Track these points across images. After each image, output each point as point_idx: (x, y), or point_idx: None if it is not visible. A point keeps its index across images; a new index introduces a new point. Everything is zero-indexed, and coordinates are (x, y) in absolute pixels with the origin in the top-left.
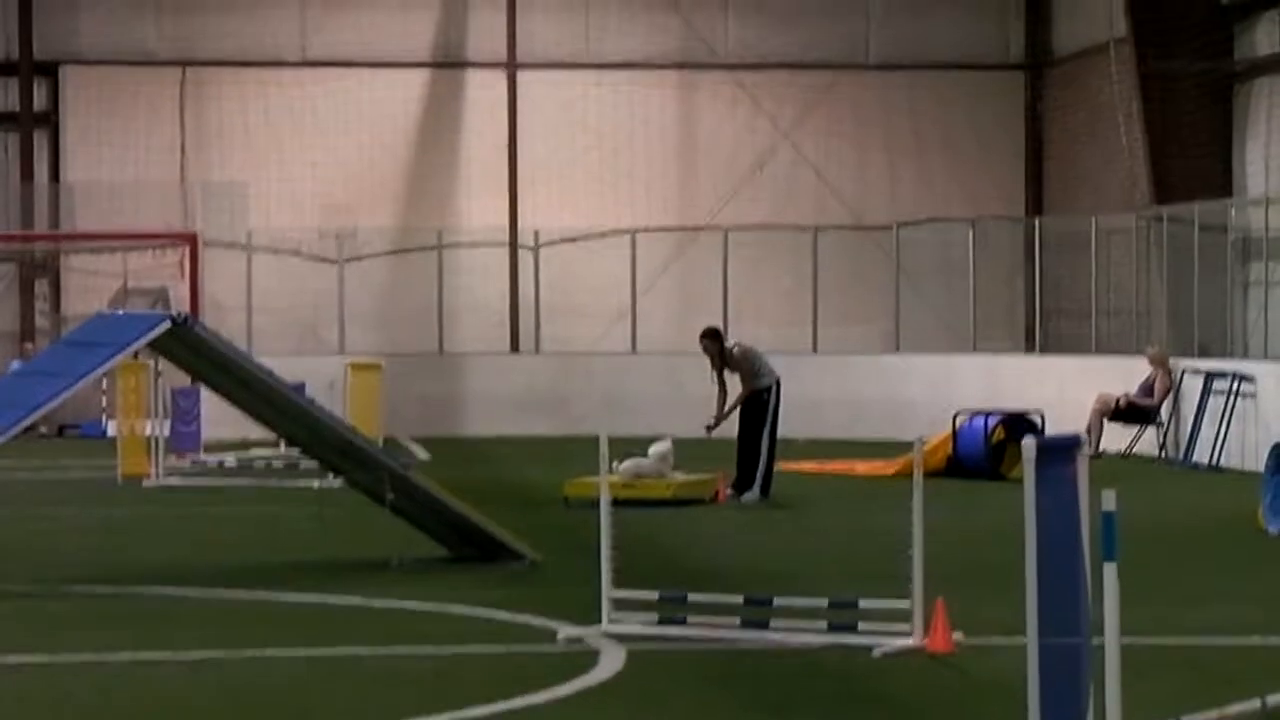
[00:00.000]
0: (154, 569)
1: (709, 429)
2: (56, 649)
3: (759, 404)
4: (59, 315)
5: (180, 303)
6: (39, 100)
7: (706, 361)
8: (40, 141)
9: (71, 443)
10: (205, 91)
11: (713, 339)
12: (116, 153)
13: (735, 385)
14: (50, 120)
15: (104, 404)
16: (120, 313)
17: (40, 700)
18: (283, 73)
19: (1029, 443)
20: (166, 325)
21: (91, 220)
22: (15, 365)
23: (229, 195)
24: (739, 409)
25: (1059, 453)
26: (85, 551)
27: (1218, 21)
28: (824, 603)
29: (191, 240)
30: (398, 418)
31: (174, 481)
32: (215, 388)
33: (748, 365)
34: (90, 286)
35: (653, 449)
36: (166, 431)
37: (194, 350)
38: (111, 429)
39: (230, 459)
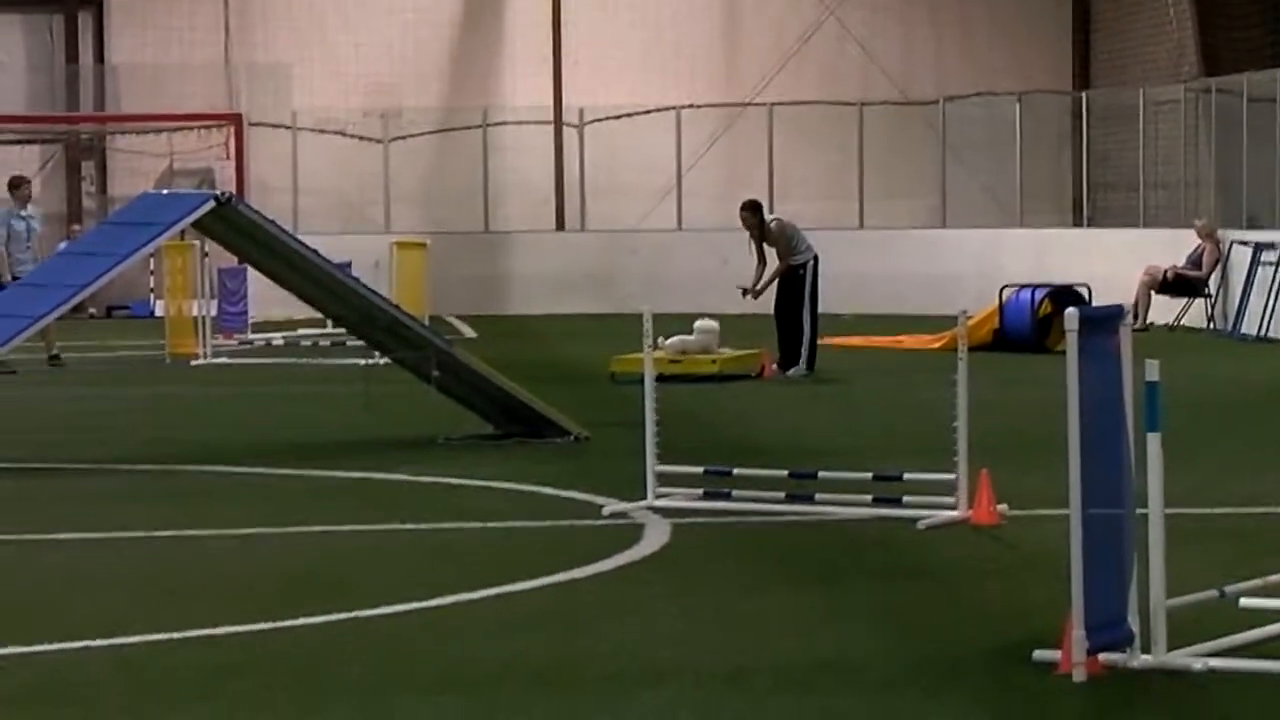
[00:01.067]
0: (202, 447)
1: (745, 292)
2: (107, 526)
3: (796, 280)
4: (105, 196)
5: (226, 183)
6: None
7: (749, 236)
8: (85, 23)
9: (120, 323)
10: None
11: (753, 211)
12: (161, 34)
13: (773, 259)
14: (95, 2)
15: (151, 284)
16: (165, 193)
17: (91, 575)
18: None
19: (1071, 313)
20: (211, 205)
21: (136, 102)
22: (63, 246)
23: (273, 76)
24: (777, 285)
25: (1102, 323)
26: (134, 430)
27: None
28: (868, 476)
29: (236, 121)
30: (444, 296)
31: (222, 361)
32: (261, 267)
33: (784, 241)
34: (136, 168)
35: (698, 325)
36: (214, 311)
37: (239, 230)
38: (159, 309)
39: (277, 338)
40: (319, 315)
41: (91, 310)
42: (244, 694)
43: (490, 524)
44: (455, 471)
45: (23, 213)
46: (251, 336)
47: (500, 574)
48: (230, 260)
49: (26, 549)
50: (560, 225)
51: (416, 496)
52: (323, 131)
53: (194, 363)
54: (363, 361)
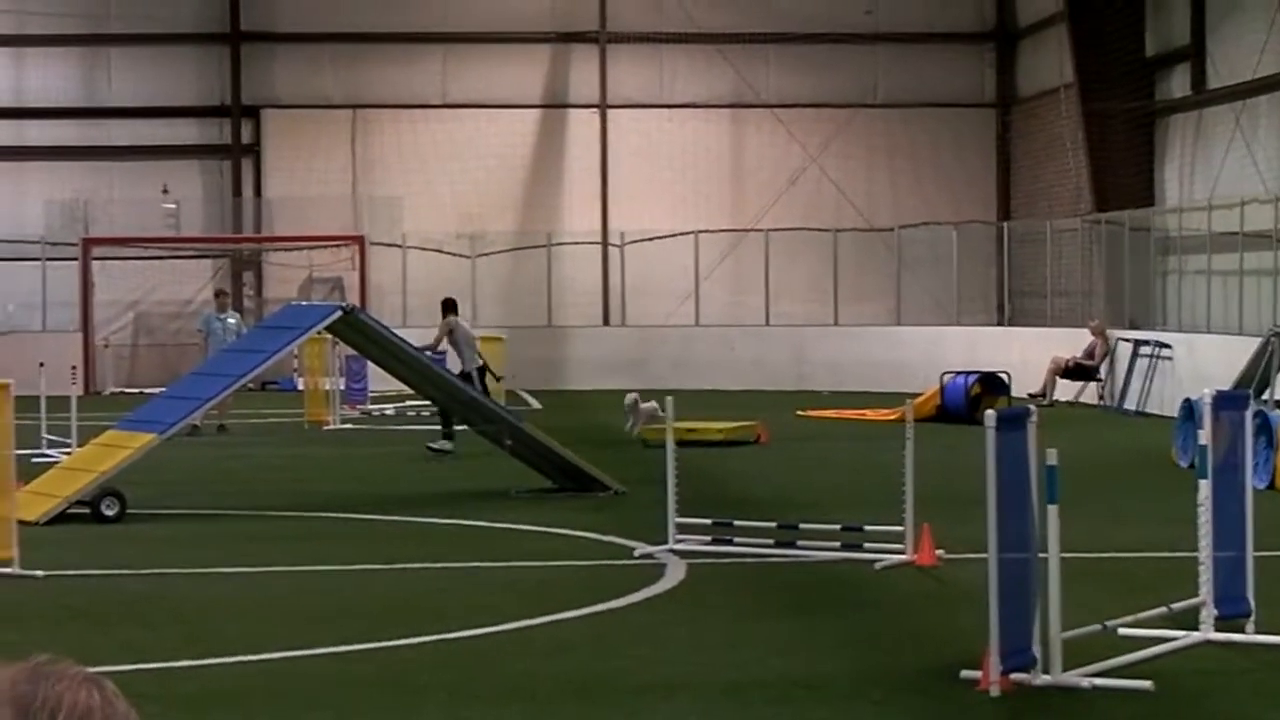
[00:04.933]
0: (330, 498)
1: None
2: (257, 562)
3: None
4: (261, 298)
5: (351, 289)
6: (245, 135)
7: (754, 330)
8: (246, 167)
9: (270, 395)
10: (370, 127)
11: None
12: (303, 174)
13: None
14: (254, 150)
15: (295, 365)
16: (304, 304)
17: (243, 602)
18: (428, 112)
19: (990, 414)
20: (339, 314)
21: (285, 226)
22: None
23: (388, 206)
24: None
25: (1015, 419)
26: (278, 483)
27: (1141, 70)
28: (838, 526)
29: (360, 241)
30: (517, 376)
31: (347, 427)
32: (374, 359)
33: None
34: (284, 276)
35: (644, 405)
36: (341, 386)
37: (359, 331)
38: (300, 384)
39: (389, 409)
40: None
41: (250, 385)
42: (358, 701)
43: (546, 562)
44: (521, 519)
45: (222, 315)
46: (370, 407)
47: (552, 604)
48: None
49: (196, 580)
50: (606, 321)
51: (491, 539)
52: (425, 249)
53: (325, 428)
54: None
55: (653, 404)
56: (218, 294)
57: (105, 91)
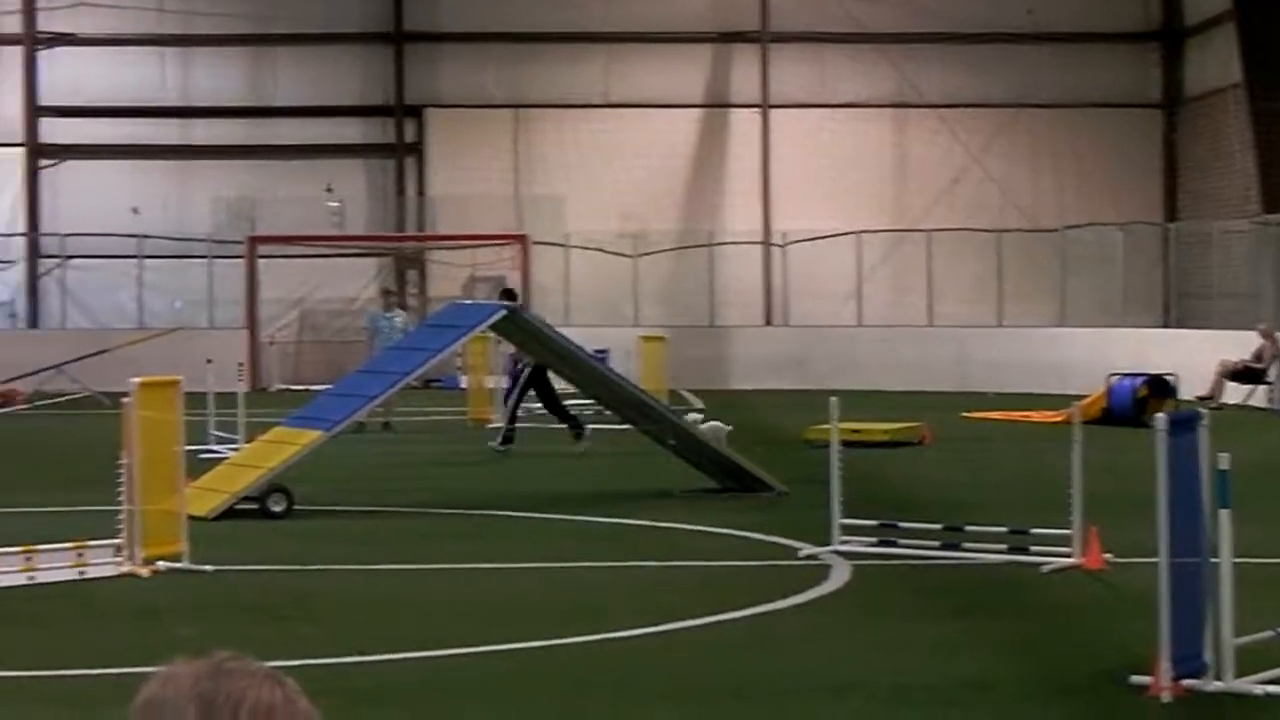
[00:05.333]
0: (493, 496)
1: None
2: (424, 559)
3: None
4: (424, 296)
5: (514, 288)
6: (409, 135)
7: (917, 331)
8: (410, 166)
9: (434, 393)
10: (532, 127)
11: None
12: (466, 174)
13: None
14: (417, 150)
15: (458, 363)
16: (468, 302)
17: (412, 598)
18: (590, 112)
19: (1160, 417)
20: (502, 314)
21: (448, 225)
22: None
23: (551, 205)
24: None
25: (1185, 422)
26: (442, 480)
27: None
28: (1004, 529)
29: (523, 240)
30: (679, 375)
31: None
32: (537, 357)
33: None
34: (446, 275)
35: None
36: (504, 385)
37: (522, 330)
38: (463, 382)
39: None
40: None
41: (413, 382)
42: (523, 699)
43: (709, 562)
44: (685, 518)
45: (388, 314)
46: (530, 406)
47: (715, 604)
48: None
49: (363, 576)
50: (768, 321)
51: (654, 539)
52: (587, 248)
53: (488, 425)
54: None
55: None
56: (384, 292)
57: (271, 91)
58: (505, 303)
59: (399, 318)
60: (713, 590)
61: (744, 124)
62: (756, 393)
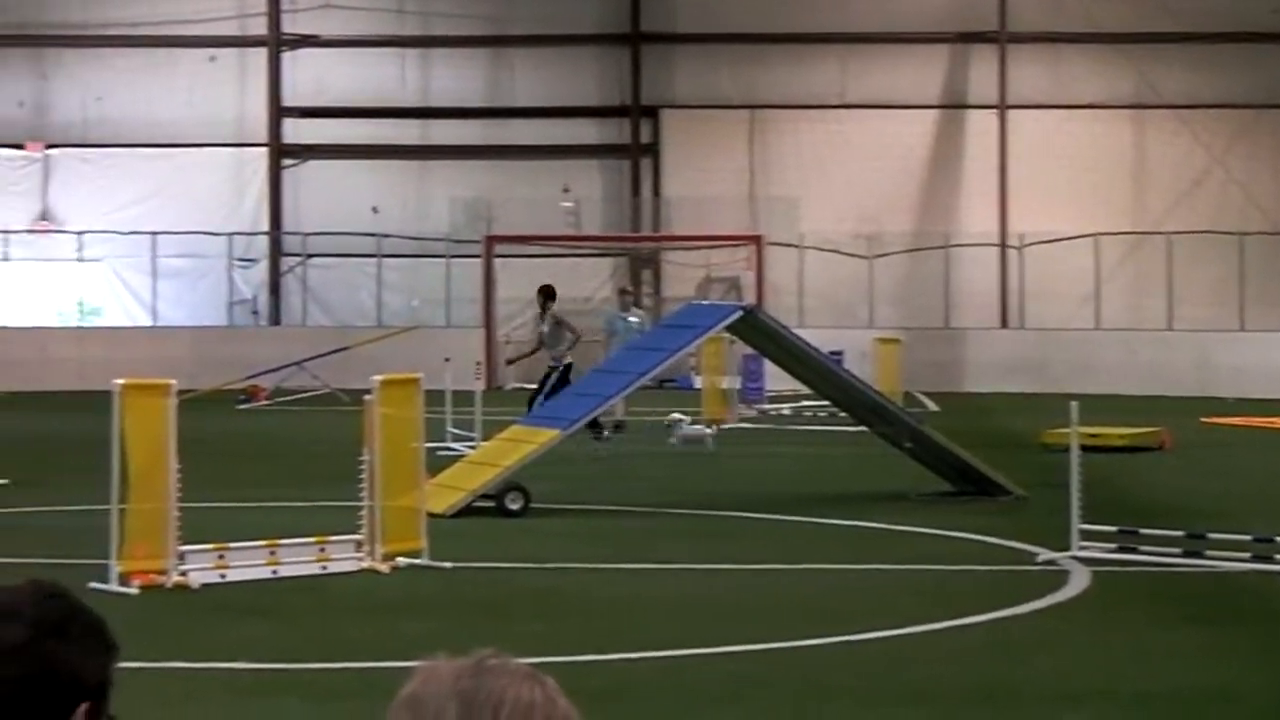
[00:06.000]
0: (727, 496)
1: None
2: (656, 558)
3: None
4: (659, 296)
5: (748, 289)
6: (644, 135)
7: (1156, 335)
8: (645, 166)
9: (667, 393)
10: (767, 127)
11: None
12: (701, 175)
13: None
14: (652, 150)
15: (692, 363)
16: (704, 303)
17: (646, 598)
18: (826, 113)
19: None
20: (739, 315)
21: (682, 225)
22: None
23: (785, 206)
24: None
25: None
26: (675, 480)
27: None
28: (1248, 536)
29: (757, 241)
30: (914, 377)
31: (744, 426)
32: (773, 358)
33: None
34: (681, 275)
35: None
36: (738, 385)
37: (758, 331)
38: (697, 382)
39: (785, 409)
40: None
41: (647, 382)
42: (760, 701)
43: (946, 566)
44: (921, 522)
45: (624, 314)
46: (766, 407)
47: (954, 608)
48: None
49: (598, 575)
50: (1004, 323)
51: (890, 541)
52: (822, 249)
53: (723, 426)
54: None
55: (700, 428)
56: (621, 292)
57: (509, 92)
58: (740, 303)
59: (635, 318)
60: (950, 594)
61: (981, 125)
62: (991, 395)
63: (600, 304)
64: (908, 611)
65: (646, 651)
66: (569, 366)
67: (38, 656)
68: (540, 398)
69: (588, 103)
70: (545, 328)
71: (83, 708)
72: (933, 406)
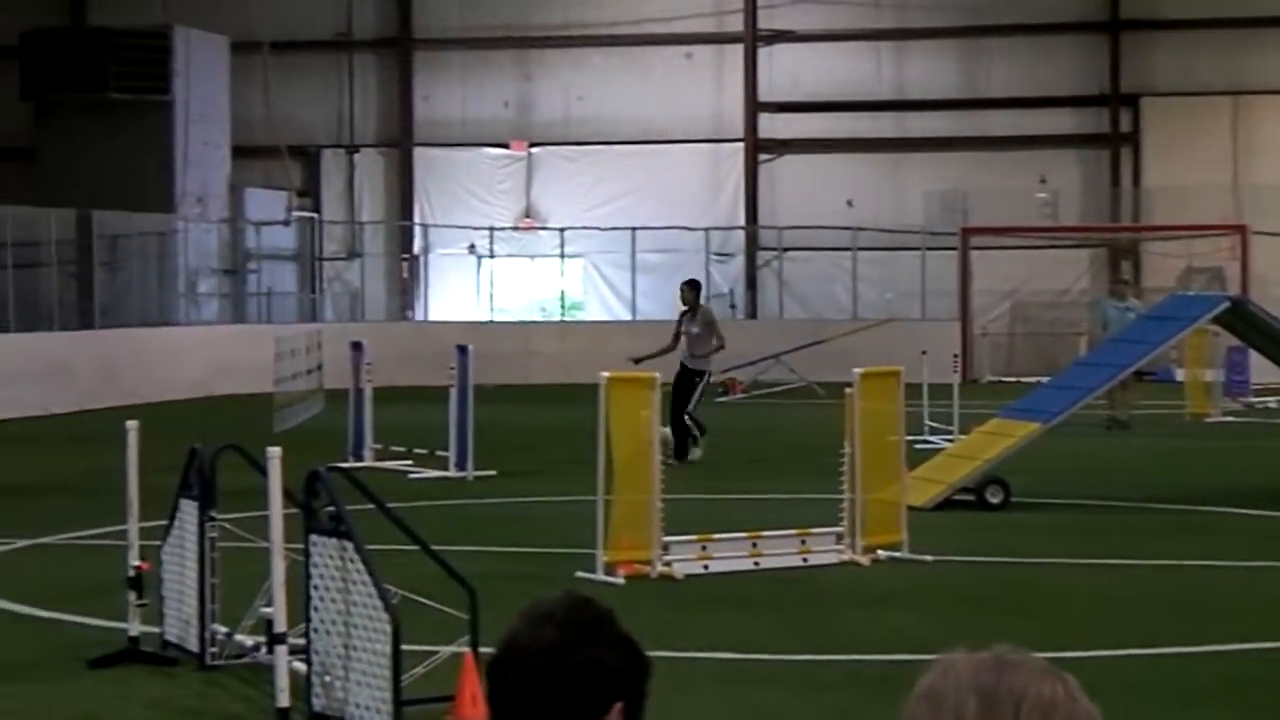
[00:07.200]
0: (1212, 492)
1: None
2: (1138, 554)
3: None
4: (1139, 287)
5: (1231, 281)
6: (1123, 124)
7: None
8: (1124, 156)
9: (1146, 385)
10: (1253, 115)
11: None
12: (1182, 163)
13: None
14: (1132, 140)
15: (1174, 355)
16: (1190, 294)
17: (1128, 594)
18: None
19: None
20: (1226, 305)
21: (1163, 215)
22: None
23: (1272, 194)
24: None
25: None
26: (1158, 474)
27: None
28: None
29: (1242, 231)
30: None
31: (1229, 420)
32: (1261, 350)
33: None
34: (1161, 266)
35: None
36: (1222, 378)
37: (1245, 321)
38: (1179, 375)
39: (1273, 401)
40: None
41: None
42: (1253, 704)
43: None
44: None
45: (1119, 303)
46: (1252, 400)
47: None
48: (1235, 339)
49: (1079, 570)
50: None
51: None
52: None
53: (1207, 420)
54: None
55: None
56: (1118, 282)
57: (984, 82)
58: (1226, 294)
59: (1131, 309)
60: None
61: None
62: None
63: (1079, 295)
64: None
65: (1127, 649)
66: (708, 376)
67: (567, 654)
68: (686, 418)
69: (1065, 92)
70: (695, 329)
71: (617, 706)
72: None
